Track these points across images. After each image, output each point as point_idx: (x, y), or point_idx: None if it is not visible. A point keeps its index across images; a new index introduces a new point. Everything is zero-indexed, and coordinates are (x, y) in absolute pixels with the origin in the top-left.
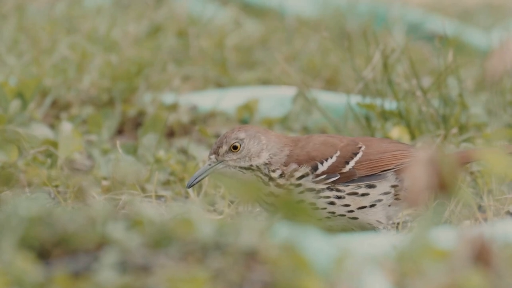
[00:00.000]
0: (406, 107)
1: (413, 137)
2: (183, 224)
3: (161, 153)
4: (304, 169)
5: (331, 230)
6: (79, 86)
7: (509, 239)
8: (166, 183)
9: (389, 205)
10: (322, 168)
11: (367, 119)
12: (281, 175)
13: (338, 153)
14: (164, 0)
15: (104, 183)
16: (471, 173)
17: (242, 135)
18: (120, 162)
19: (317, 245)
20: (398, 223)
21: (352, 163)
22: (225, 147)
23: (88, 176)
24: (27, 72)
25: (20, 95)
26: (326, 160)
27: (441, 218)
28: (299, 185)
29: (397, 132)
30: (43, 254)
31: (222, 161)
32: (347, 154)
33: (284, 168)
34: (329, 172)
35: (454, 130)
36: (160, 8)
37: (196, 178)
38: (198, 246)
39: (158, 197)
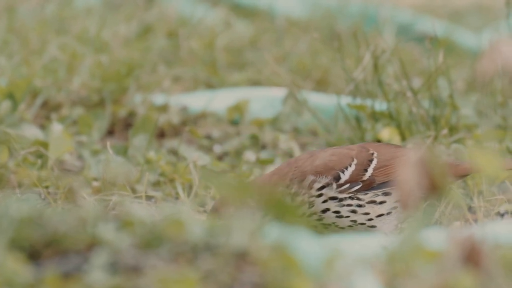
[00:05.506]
0: (396, 108)
1: (403, 138)
2: (173, 225)
3: (152, 154)
4: (325, 179)
5: (321, 231)
6: (70, 87)
7: (499, 240)
8: (156, 184)
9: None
10: (344, 177)
11: (358, 120)
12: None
13: (355, 161)
14: (154, 1)
15: (95, 184)
16: None
17: None
18: (111, 163)
19: (308, 246)
20: None
21: (370, 170)
22: None
23: (79, 177)
24: (17, 73)
25: (10, 95)
26: (346, 168)
27: (431, 219)
28: (321, 195)
29: (387, 133)
30: (34, 255)
31: None
32: (363, 162)
33: (297, 186)
34: (352, 181)
35: (445, 131)
36: (150, 9)
37: None
38: (189, 247)
39: (149, 197)
